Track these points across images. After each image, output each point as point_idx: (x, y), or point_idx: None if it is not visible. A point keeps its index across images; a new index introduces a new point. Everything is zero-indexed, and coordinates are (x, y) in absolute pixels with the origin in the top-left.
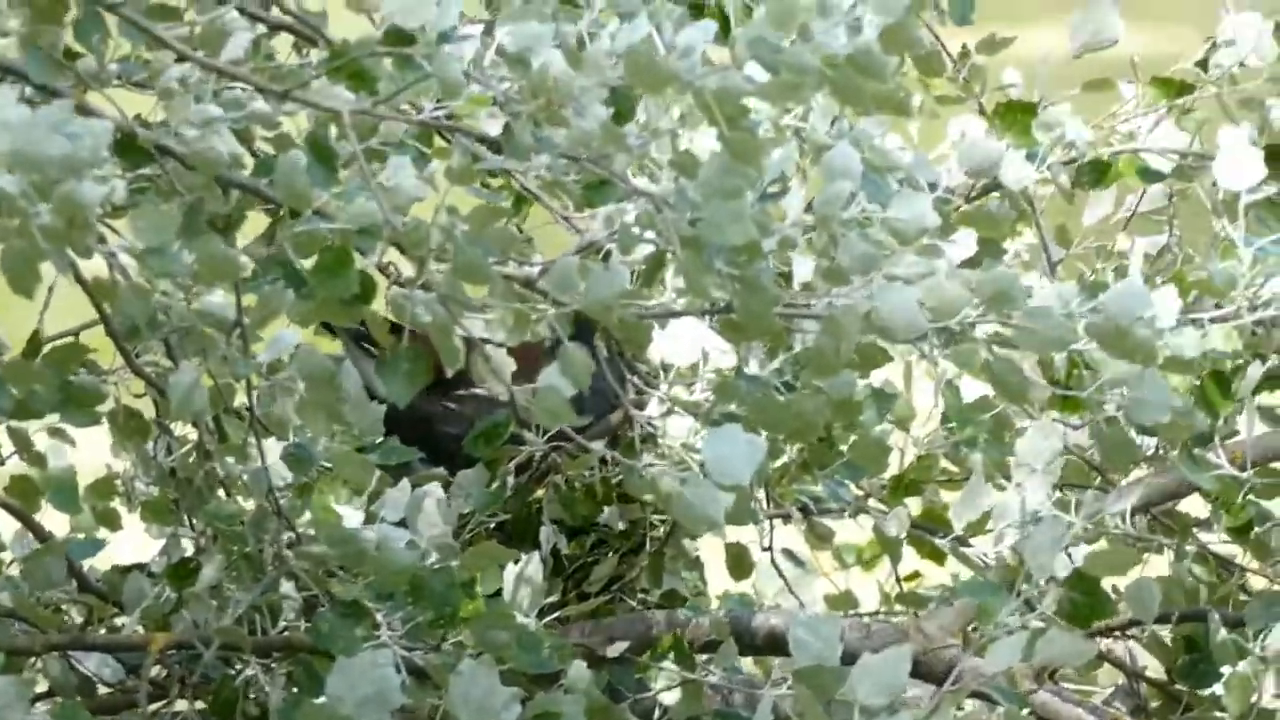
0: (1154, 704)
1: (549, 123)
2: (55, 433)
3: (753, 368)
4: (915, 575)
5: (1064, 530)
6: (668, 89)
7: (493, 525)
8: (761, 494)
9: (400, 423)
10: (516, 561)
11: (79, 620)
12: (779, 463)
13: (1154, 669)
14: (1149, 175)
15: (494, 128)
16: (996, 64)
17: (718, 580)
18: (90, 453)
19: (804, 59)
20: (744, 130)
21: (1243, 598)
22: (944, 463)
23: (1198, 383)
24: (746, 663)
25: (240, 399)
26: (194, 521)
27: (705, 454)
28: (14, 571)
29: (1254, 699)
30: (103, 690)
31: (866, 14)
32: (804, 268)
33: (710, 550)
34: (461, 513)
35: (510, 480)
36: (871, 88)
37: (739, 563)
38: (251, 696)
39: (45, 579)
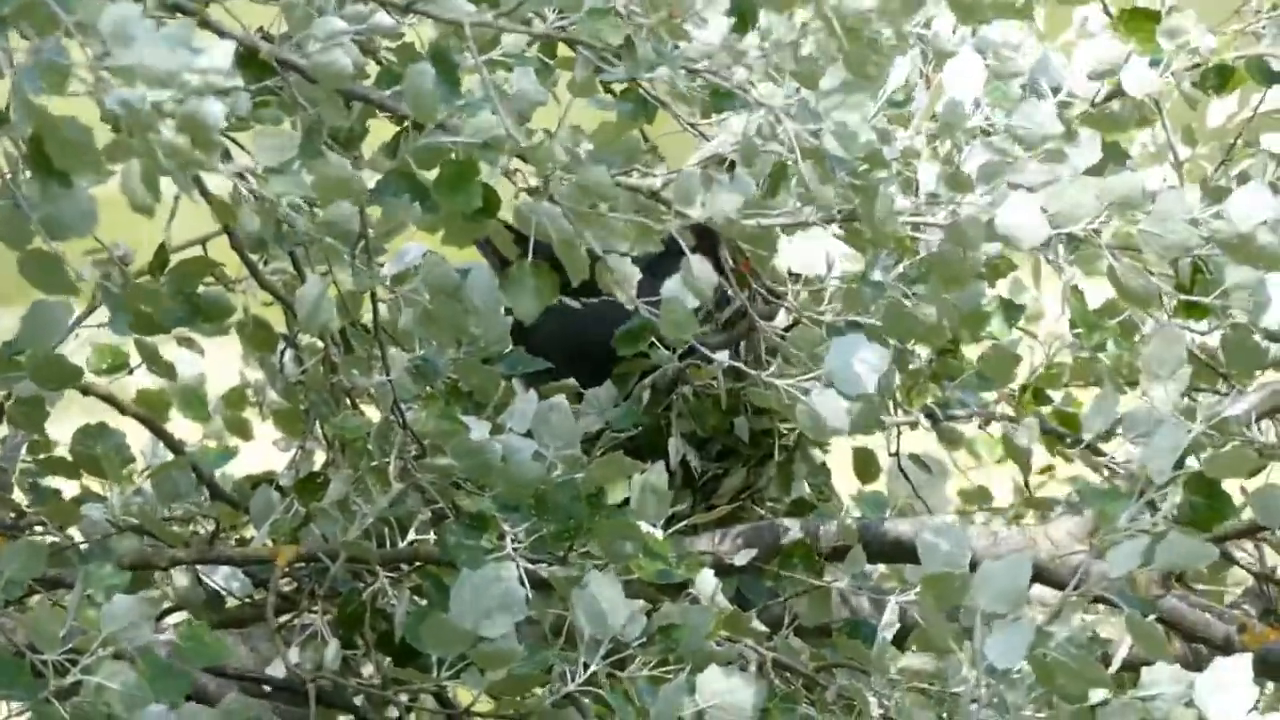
0: None
1: (670, 35)
2: (185, 342)
3: (878, 275)
4: (1048, 469)
5: (1184, 434)
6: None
7: (623, 440)
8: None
9: None
10: (643, 473)
11: (208, 531)
12: (910, 368)
13: None
14: (1270, 77)
15: (617, 36)
16: None
17: (844, 487)
18: (220, 365)
19: None
20: (864, 43)
21: None
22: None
23: None
24: (879, 571)
25: (366, 311)
26: (325, 432)
27: (829, 364)
28: (143, 483)
29: None
30: (231, 603)
31: None
32: (929, 175)
33: (836, 458)
34: (590, 430)
35: (644, 396)
36: None
37: (866, 467)
38: (379, 609)
39: (174, 491)
